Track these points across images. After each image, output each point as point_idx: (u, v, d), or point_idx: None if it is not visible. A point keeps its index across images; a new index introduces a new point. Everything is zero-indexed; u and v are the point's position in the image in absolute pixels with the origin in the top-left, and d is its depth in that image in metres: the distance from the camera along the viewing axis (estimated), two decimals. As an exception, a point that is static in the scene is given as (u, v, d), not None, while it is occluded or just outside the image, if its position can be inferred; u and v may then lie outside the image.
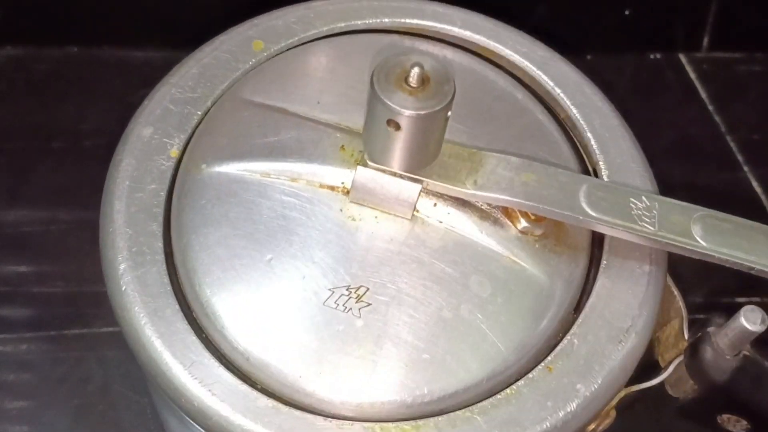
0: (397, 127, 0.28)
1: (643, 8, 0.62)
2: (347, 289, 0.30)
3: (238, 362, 0.30)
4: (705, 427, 0.35)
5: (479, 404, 0.29)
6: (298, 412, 0.29)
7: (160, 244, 0.32)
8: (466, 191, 0.30)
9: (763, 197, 0.58)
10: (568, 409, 0.29)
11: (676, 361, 0.33)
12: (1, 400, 0.47)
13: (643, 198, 0.30)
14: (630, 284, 0.32)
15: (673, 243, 0.30)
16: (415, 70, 0.27)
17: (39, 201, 0.54)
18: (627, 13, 0.62)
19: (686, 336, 0.33)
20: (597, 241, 0.33)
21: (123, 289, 0.31)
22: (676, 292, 0.34)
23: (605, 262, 0.33)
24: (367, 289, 0.30)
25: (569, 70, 0.38)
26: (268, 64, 0.36)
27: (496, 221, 0.32)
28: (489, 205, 0.32)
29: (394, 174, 0.30)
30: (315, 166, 0.32)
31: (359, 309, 0.30)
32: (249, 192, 0.32)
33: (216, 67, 0.36)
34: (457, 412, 0.29)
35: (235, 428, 0.29)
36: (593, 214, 0.30)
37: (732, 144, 0.60)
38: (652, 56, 0.64)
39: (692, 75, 0.64)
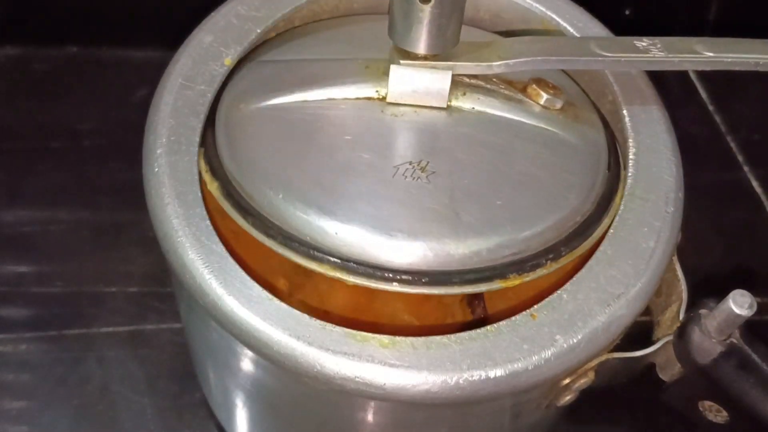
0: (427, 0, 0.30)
1: (643, 8, 0.62)
2: (410, 164, 0.32)
3: (330, 241, 0.31)
4: (687, 412, 0.35)
5: (457, 334, 0.30)
6: (284, 305, 0.31)
7: (196, 138, 0.34)
8: (494, 64, 0.33)
9: (763, 197, 0.58)
10: (542, 356, 0.30)
11: (665, 339, 0.34)
12: (1, 400, 0.47)
13: (644, 39, 0.33)
14: (632, 256, 0.33)
15: (684, 60, 0.33)
16: None
17: (39, 201, 0.54)
18: (627, 13, 0.62)
19: (681, 318, 0.34)
20: (605, 121, 0.37)
21: (156, 170, 0.33)
22: (681, 276, 0.34)
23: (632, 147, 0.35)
24: (428, 162, 0.32)
25: None
26: (277, 38, 0.38)
27: (520, 101, 0.35)
28: (511, 89, 0.35)
29: (426, 65, 0.33)
30: (347, 86, 0.34)
31: (426, 176, 0.32)
32: (293, 114, 0.34)
33: None
34: (434, 337, 0.30)
35: (212, 294, 0.31)
36: (608, 54, 0.33)
37: (732, 144, 0.60)
38: (652, 56, 0.64)
39: (692, 75, 0.64)
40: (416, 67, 0.33)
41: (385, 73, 0.34)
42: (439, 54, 0.33)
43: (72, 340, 0.49)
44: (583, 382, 0.33)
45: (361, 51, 0.36)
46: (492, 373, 0.30)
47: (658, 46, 0.33)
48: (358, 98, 0.34)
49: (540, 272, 0.32)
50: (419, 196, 0.32)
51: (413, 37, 0.32)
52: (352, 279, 0.31)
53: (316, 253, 0.31)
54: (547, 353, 0.30)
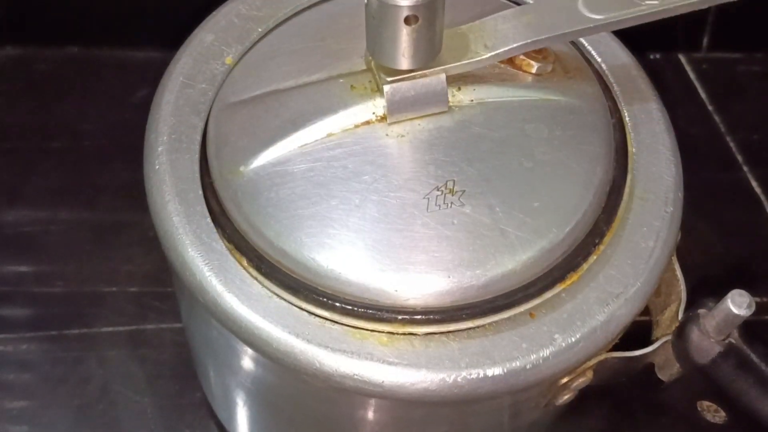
0: (416, 19, 0.29)
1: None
2: (437, 189, 0.31)
3: (392, 299, 0.30)
4: (685, 412, 0.35)
5: (456, 332, 0.31)
6: (284, 303, 0.31)
7: (197, 137, 0.34)
8: (483, 57, 0.32)
9: (762, 197, 0.58)
10: (541, 355, 0.30)
11: (663, 339, 0.34)
12: (1, 400, 0.47)
13: None
14: (631, 255, 0.33)
15: (679, 4, 0.31)
16: None
17: (39, 201, 0.54)
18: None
19: (679, 318, 0.34)
20: (587, 61, 0.37)
21: (157, 168, 0.33)
22: (680, 276, 0.34)
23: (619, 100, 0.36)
24: (454, 181, 0.32)
25: (622, 52, 0.38)
26: (236, 70, 0.36)
27: (513, 77, 0.34)
28: (499, 66, 0.34)
29: (417, 76, 0.32)
30: (340, 114, 0.33)
31: (459, 198, 0.31)
32: (299, 165, 0.32)
33: None
34: (433, 335, 0.30)
35: (211, 291, 0.31)
36: (600, 17, 0.31)
37: (732, 144, 0.60)
38: (651, 56, 0.64)
39: (692, 75, 0.64)
40: (408, 80, 0.32)
41: (374, 90, 0.33)
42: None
43: (72, 339, 0.49)
44: (582, 381, 0.33)
45: (332, 63, 0.34)
46: (490, 372, 0.30)
47: None
48: (356, 125, 0.33)
49: (591, 260, 0.32)
50: (461, 225, 0.31)
51: (401, 55, 0.30)
52: (424, 330, 0.30)
53: (383, 314, 0.30)
54: (546, 352, 0.30)
